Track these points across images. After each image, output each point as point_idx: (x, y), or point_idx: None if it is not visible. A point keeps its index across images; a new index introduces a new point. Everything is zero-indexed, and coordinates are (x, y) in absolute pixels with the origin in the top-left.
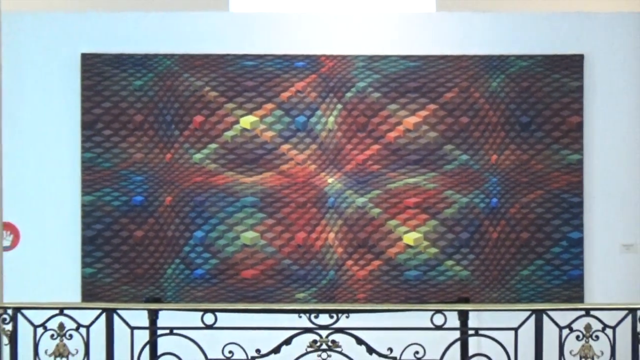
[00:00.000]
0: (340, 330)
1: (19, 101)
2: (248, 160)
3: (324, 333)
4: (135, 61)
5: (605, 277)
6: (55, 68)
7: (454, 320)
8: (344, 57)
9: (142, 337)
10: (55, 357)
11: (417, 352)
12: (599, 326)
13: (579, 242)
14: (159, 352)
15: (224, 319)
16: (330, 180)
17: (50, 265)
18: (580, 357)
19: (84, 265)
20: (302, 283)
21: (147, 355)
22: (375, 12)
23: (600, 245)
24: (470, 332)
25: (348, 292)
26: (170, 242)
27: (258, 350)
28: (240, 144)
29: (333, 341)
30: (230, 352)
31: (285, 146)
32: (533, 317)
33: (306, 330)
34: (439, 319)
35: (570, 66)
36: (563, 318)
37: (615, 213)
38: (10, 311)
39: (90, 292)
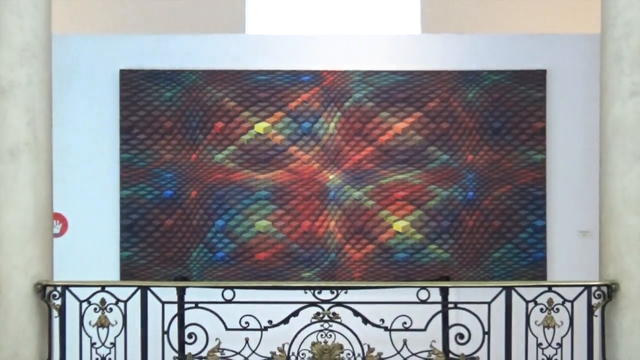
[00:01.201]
0: (340, 304)
1: (68, 110)
2: (261, 160)
3: (326, 306)
4: (165, 76)
5: (564, 259)
6: (98, 82)
7: (436, 295)
8: (342, 72)
9: (172, 310)
10: (98, 327)
11: (405, 323)
12: (560, 300)
13: (542, 229)
14: (186, 323)
15: (240, 294)
16: (331, 177)
17: (93, 249)
18: (544, 327)
19: (122, 249)
20: (307, 264)
21: (176, 326)
22: (369, 34)
23: (560, 232)
24: (450, 305)
25: (346, 272)
26: (195, 229)
27: (270, 321)
28: (254, 146)
29: (334, 313)
30: (246, 322)
31: (293, 148)
32: (503, 292)
33: (311, 304)
34: (423, 294)
35: (534, 79)
36: (529, 293)
37: (573, 204)
38: (59, 288)
39: (128, 272)
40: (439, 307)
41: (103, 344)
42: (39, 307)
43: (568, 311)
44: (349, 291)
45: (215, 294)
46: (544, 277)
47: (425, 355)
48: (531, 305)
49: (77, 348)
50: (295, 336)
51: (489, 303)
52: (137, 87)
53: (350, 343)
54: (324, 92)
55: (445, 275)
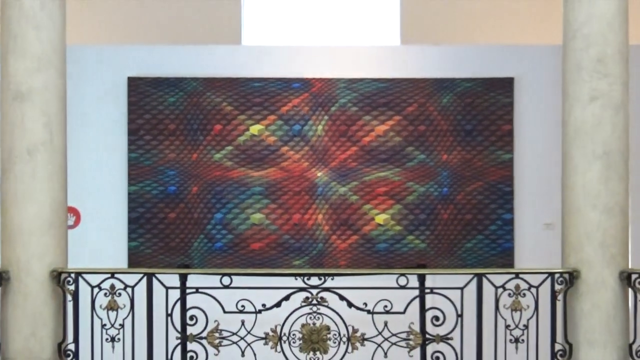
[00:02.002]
0: (327, 290)
1: (81, 113)
2: (256, 158)
3: (314, 291)
4: (169, 83)
5: (530, 248)
6: (108, 88)
7: (414, 281)
8: (329, 79)
9: (175, 294)
10: (108, 310)
11: (386, 306)
12: (526, 286)
13: (510, 222)
14: (187, 306)
15: (237, 280)
16: (319, 174)
17: (103, 239)
18: (511, 310)
19: (130, 239)
20: (298, 253)
21: (179, 309)
22: (353, 45)
23: (526, 224)
24: (427, 290)
25: (333, 260)
26: (196, 221)
27: (264, 305)
28: (250, 146)
29: (321, 298)
30: (242, 306)
31: (285, 148)
32: (475, 279)
33: (301, 289)
34: (402, 281)
35: (503, 86)
36: (498, 280)
37: (538, 199)
38: (73, 275)
39: (135, 260)
40: (416, 292)
41: (112, 326)
42: (54, 292)
43: (533, 296)
44: (335, 278)
45: (214, 280)
46: (511, 265)
47: (404, 335)
48: (500, 290)
49: (89, 329)
50: (287, 318)
51: (461, 288)
52: (143, 93)
53: (336, 325)
54: (312, 98)
55: (422, 264)
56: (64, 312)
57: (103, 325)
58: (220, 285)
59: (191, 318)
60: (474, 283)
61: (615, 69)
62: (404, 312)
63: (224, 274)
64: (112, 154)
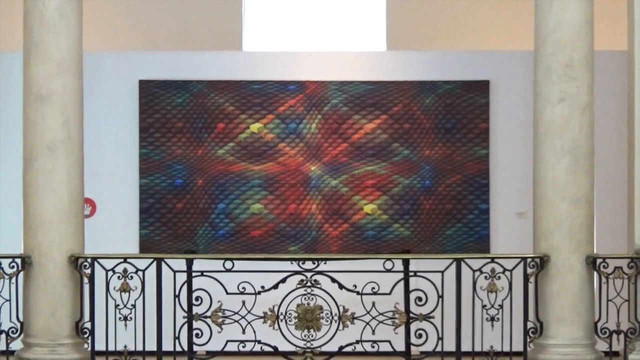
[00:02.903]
0: (320, 273)
1: (96, 113)
2: (255, 154)
3: (308, 275)
4: (176, 85)
5: (505, 236)
6: (121, 90)
7: (399, 265)
8: (322, 82)
9: (182, 277)
10: (121, 292)
11: (373, 288)
12: (501, 269)
13: (486, 211)
14: (193, 288)
15: (238, 265)
16: (312, 168)
17: (117, 227)
18: (487, 291)
19: (141, 227)
20: (293, 240)
21: (185, 291)
22: (344, 51)
23: (501, 213)
24: (411, 274)
25: (325, 246)
26: (201, 211)
27: (263, 287)
28: (250, 143)
29: (315, 280)
30: (243, 287)
31: (282, 144)
32: (454, 263)
33: (296, 272)
34: (388, 265)
35: (479, 88)
36: (475, 264)
37: (512, 191)
38: (89, 260)
39: (145, 246)
40: (401, 275)
41: (125, 306)
42: (72, 276)
43: (508, 278)
44: (328, 262)
45: (218, 265)
46: (487, 251)
47: (390, 314)
48: (477, 273)
49: (104, 309)
50: (283, 299)
51: (442, 272)
52: (153, 94)
53: (328, 305)
54: (307, 99)
55: (406, 249)
56: (81, 294)
57: (116, 306)
58: (223, 269)
59: (197, 299)
60: (453, 267)
61: (582, 73)
62: (390, 293)
63: (226, 259)
64: (125, 149)
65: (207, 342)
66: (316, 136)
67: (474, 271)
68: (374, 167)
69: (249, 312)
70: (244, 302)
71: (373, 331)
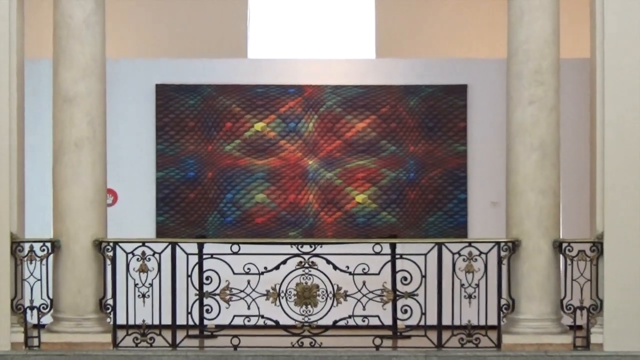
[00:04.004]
0: (317, 255)
1: (117, 113)
2: (259, 150)
3: (306, 257)
4: (189, 88)
5: (480, 222)
6: (139, 93)
7: (387, 249)
8: (318, 86)
9: (194, 259)
10: (139, 272)
11: (364, 269)
12: (477, 252)
13: (464, 201)
14: (204, 269)
15: (244, 248)
16: (310, 162)
17: (136, 215)
18: (465, 272)
19: (157, 215)
20: (293, 226)
21: (197, 271)
22: (338, 58)
23: (477, 203)
24: (397, 256)
25: (321, 232)
26: (211, 201)
27: (265, 268)
28: (254, 140)
29: (312, 262)
30: (248, 268)
31: (282, 141)
32: (436, 247)
33: (295, 255)
34: (377, 248)
35: (458, 92)
36: (455, 247)
37: (487, 182)
38: (111, 244)
39: (161, 231)
40: (388, 258)
41: (143, 285)
42: (96, 258)
43: (483, 260)
44: (323, 246)
45: (226, 248)
46: (465, 236)
47: (379, 292)
48: (456, 256)
49: (124, 287)
50: (284, 279)
51: (425, 254)
52: (168, 97)
53: (324, 284)
54: (305, 101)
55: (393, 234)
56: (104, 274)
57: (135, 285)
58: (230, 252)
59: (207, 278)
60: (435, 250)
61: (549, 78)
62: (378, 274)
63: (233, 243)
64: (143, 146)
65: (216, 317)
66: (313, 134)
67: (453, 254)
68: (365, 162)
69: (253, 290)
70: (249, 282)
71: (364, 307)
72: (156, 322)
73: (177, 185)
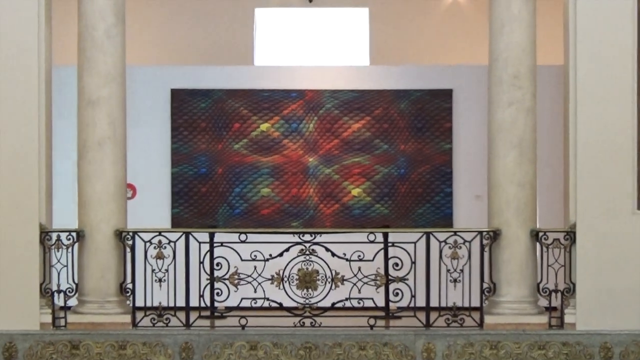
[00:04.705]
0: (316, 243)
1: (136, 115)
2: (264, 148)
3: (307, 245)
4: (201, 92)
5: (465, 214)
6: (156, 97)
7: (380, 237)
8: (318, 90)
9: (205, 247)
10: (156, 259)
11: (359, 255)
12: (462, 241)
13: (450, 194)
14: (214, 256)
15: (251, 237)
16: (310, 159)
17: (153, 207)
18: (451, 259)
19: (172, 207)
20: (295, 217)
21: (208, 258)
22: (335, 65)
23: (462, 196)
24: (389, 244)
25: (321, 222)
26: (221, 194)
27: (270, 255)
28: (260, 139)
29: (312, 249)
30: (254, 255)
31: (285, 140)
32: (424, 236)
33: (297, 243)
34: (371, 237)
35: (444, 95)
36: (441, 236)
37: (470, 177)
38: (130, 233)
39: (176, 222)
40: (381, 246)
41: (160, 270)
42: (117, 246)
43: (467, 248)
44: (323, 235)
45: (234, 237)
46: (451, 226)
47: (372, 277)
48: (443, 244)
49: (142, 273)
50: (287, 265)
51: (415, 243)
52: (182, 100)
53: (323, 269)
54: (305, 104)
55: (386, 224)
56: (124, 261)
57: (153, 270)
58: (239, 241)
59: (217, 264)
60: (423, 239)
61: (527, 83)
62: (372, 260)
63: (241, 232)
64: (159, 144)
65: (225, 299)
66: (313, 134)
67: (440, 242)
68: (360, 159)
69: (259, 275)
70: (255, 267)
71: (359, 290)
72: (171, 304)
73: (190, 180)
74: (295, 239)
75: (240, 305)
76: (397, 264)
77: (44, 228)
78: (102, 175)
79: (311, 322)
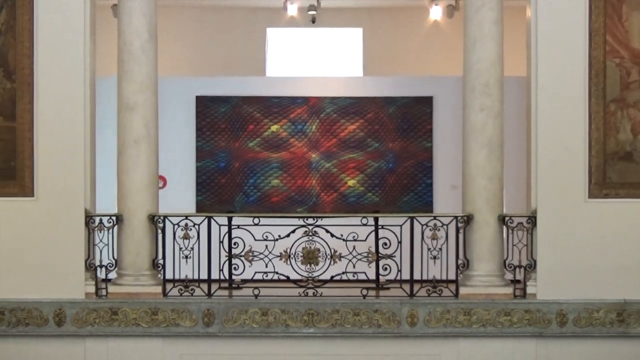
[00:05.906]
0: (318, 226)
1: (167, 118)
2: (274, 146)
3: (310, 227)
4: (221, 99)
5: (443, 201)
6: (183, 103)
7: (371, 221)
8: (319, 97)
9: (224, 229)
10: (183, 239)
11: (354, 236)
12: (440, 224)
13: (430, 185)
14: (232, 236)
15: (263, 220)
16: (313, 156)
17: (180, 196)
18: (431, 239)
19: (197, 195)
20: (300, 204)
21: (227, 238)
22: (334, 76)
23: (440, 186)
24: (379, 227)
25: (322, 208)
26: (237, 184)
27: (279, 235)
28: (271, 138)
29: (315, 231)
30: (266, 236)
31: (292, 139)
32: (409, 220)
33: (302, 226)
34: (364, 221)
35: (426, 102)
36: (423, 220)
37: (447, 170)
38: (162, 217)
39: (200, 208)
40: (372, 228)
41: (186, 248)
42: (150, 228)
43: (445, 230)
44: (323, 219)
45: (249, 220)
46: (431, 211)
47: (365, 254)
48: (424, 227)
49: (172, 251)
50: (293, 244)
51: (401, 226)
52: (205, 105)
53: (324, 248)
54: (309, 109)
55: (376, 210)
56: (156, 240)
57: (180, 249)
58: (252, 224)
59: (234, 244)
60: (408, 222)
61: (495, 91)
62: (365, 240)
63: (255, 216)
64: (186, 142)
65: (241, 273)
66: (315, 134)
67: (422, 225)
68: (355, 155)
69: (270, 252)
70: (266, 246)
71: (354, 266)
72: (196, 277)
73: (212, 173)
74: (300, 222)
75: (254, 278)
76: (385, 244)
77: (88, 213)
78: (138, 168)
79: (313, 292)
